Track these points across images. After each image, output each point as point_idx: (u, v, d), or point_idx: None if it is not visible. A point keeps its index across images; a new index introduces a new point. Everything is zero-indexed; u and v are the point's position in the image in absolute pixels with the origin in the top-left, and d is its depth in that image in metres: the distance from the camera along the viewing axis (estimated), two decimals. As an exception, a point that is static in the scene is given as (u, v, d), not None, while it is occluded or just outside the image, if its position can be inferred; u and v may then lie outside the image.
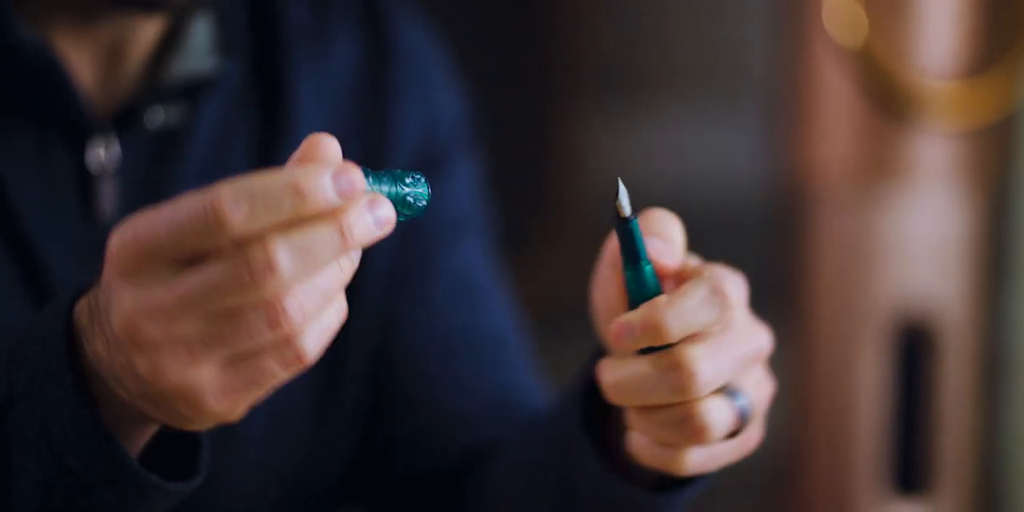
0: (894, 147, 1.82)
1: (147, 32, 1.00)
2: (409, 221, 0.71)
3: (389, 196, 0.69)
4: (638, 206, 0.77)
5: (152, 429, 0.76)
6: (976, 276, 1.87)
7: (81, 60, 0.98)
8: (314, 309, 0.67)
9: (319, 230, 0.65)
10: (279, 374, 0.68)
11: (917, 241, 1.83)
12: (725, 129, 2.06)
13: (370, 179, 0.68)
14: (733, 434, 0.79)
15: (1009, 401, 2.00)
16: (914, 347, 1.85)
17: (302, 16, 1.08)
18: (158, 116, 1.00)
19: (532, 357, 1.13)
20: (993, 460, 1.99)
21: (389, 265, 1.07)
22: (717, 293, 0.75)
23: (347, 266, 0.68)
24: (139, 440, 0.76)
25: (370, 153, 1.08)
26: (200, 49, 1.00)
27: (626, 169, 2.01)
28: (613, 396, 0.78)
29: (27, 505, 0.75)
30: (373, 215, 0.67)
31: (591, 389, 0.87)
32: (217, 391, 0.67)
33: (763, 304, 0.90)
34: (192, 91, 1.01)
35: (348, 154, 1.06)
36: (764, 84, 2.06)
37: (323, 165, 0.66)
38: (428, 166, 1.10)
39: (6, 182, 0.95)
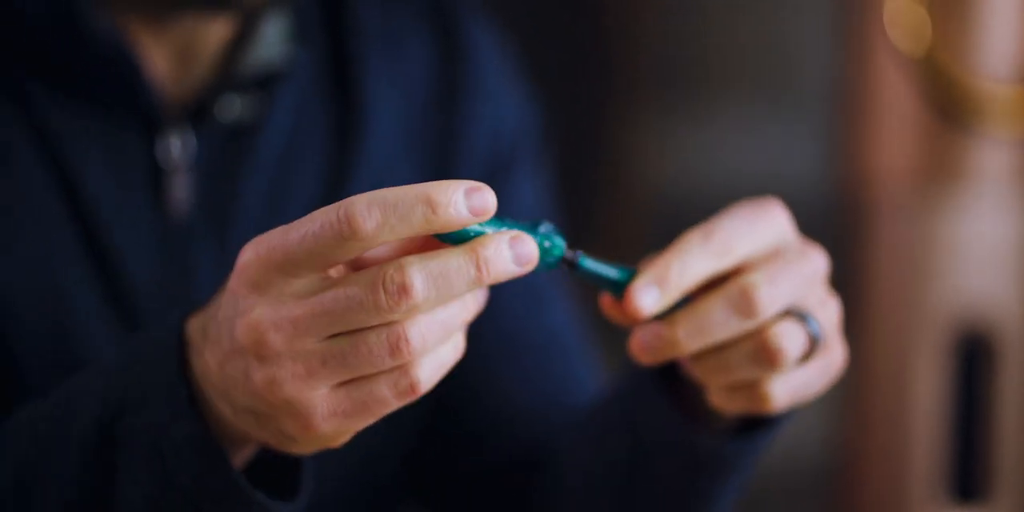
0: (955, 152, 1.81)
1: (219, 27, 1.01)
2: None
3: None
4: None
5: (248, 452, 0.77)
6: (1037, 283, 1.86)
7: (153, 52, 1.00)
8: (434, 341, 0.68)
9: (456, 258, 0.66)
10: (390, 402, 0.69)
11: (977, 247, 1.82)
12: (785, 132, 2.05)
13: (508, 220, 0.69)
14: (807, 357, 0.81)
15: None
16: (973, 353, 1.84)
17: (373, 15, 1.09)
18: (232, 107, 1.01)
19: (593, 356, 1.14)
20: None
21: None
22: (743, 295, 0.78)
23: (472, 305, 0.70)
24: (238, 461, 0.76)
25: (441, 153, 1.09)
26: (273, 41, 1.01)
27: (684, 169, 2.01)
28: (687, 342, 0.78)
29: None
30: (514, 252, 0.67)
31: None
32: (327, 412, 0.69)
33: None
34: (265, 82, 1.02)
35: (420, 153, 1.07)
36: (825, 88, 2.06)
37: (458, 182, 0.66)
38: (496, 169, 1.11)
39: (83, 173, 0.97)
